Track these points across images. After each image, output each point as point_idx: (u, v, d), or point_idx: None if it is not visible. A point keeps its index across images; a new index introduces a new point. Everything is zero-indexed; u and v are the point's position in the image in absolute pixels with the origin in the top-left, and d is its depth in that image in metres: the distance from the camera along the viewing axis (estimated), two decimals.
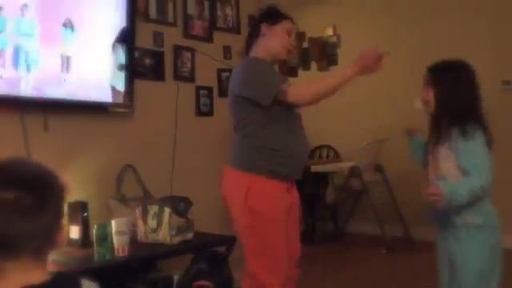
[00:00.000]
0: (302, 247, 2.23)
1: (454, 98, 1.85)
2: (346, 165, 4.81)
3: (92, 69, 2.69)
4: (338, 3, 5.65)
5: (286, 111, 2.05)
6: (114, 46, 2.77)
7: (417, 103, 2.11)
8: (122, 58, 2.80)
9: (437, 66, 1.97)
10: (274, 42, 2.17)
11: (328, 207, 5.05)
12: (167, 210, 2.50)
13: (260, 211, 1.97)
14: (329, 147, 5.46)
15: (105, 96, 2.77)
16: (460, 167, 1.78)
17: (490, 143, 1.86)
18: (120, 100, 2.83)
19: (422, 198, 1.79)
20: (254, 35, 2.24)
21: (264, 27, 2.19)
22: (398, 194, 4.70)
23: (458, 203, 1.72)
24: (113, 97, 2.80)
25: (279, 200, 2.04)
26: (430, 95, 1.89)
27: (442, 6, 4.88)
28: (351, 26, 5.51)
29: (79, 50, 2.62)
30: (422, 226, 4.81)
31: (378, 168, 4.76)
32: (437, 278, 1.97)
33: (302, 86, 2.31)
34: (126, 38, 2.81)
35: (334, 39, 5.69)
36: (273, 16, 2.23)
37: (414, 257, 4.12)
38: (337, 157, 5.32)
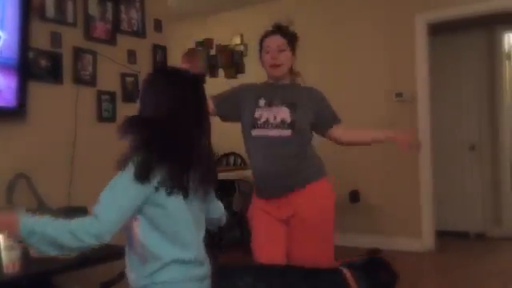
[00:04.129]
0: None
1: (144, 108, 1.54)
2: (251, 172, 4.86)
3: None
4: (245, 12, 5.74)
5: (244, 131, 2.35)
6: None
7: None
8: (14, 58, 2.59)
9: (149, 72, 1.62)
10: (263, 65, 2.40)
11: (235, 214, 5.06)
12: None
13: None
14: (236, 155, 5.49)
15: None
16: None
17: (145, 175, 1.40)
18: (12, 104, 2.61)
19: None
20: None
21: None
22: None
23: (40, 245, 1.33)
24: (3, 100, 2.58)
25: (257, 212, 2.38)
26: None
27: (342, 23, 5.14)
28: (258, 36, 5.60)
29: None
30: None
31: None
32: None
33: None
34: (18, 37, 2.60)
35: (241, 48, 5.76)
36: (259, 44, 2.43)
37: None
38: (244, 164, 5.36)
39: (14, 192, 2.61)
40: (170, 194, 1.42)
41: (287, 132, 2.26)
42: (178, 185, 1.43)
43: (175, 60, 5.59)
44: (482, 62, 5.39)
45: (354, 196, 4.97)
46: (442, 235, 4.89)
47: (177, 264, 1.46)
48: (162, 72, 1.63)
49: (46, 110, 2.87)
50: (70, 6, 3.01)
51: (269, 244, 2.31)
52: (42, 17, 2.86)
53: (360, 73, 4.97)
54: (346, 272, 2.05)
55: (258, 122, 2.27)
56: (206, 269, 1.56)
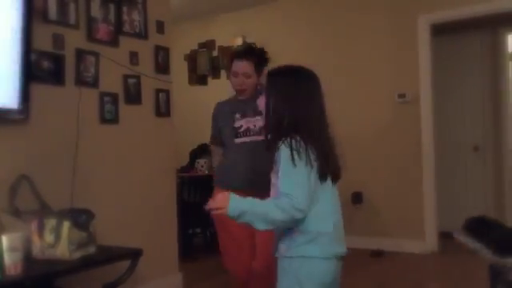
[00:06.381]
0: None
1: (280, 108, 1.65)
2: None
3: None
4: (247, 13, 5.74)
5: (228, 142, 2.66)
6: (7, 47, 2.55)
7: None
8: (16, 60, 2.59)
9: (271, 72, 1.76)
10: (230, 83, 2.69)
11: None
12: (66, 224, 2.34)
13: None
14: None
15: None
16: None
17: (318, 165, 1.61)
18: (14, 105, 2.61)
19: None
20: None
21: None
22: None
23: (253, 221, 1.55)
24: (6, 102, 2.58)
25: None
26: (262, 104, 1.72)
27: (345, 24, 5.13)
28: (260, 36, 5.60)
29: None
30: None
31: None
32: None
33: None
34: (21, 39, 2.60)
35: None
36: (229, 61, 2.66)
37: None
38: None
39: (16, 193, 2.61)
40: (320, 177, 1.61)
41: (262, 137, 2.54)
42: (324, 168, 1.62)
43: (178, 61, 5.59)
44: (485, 63, 5.38)
45: (357, 197, 4.96)
46: (445, 236, 4.86)
47: (323, 237, 1.62)
48: (294, 73, 1.73)
49: (49, 112, 2.87)
50: (72, 8, 3.01)
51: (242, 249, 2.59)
52: (45, 18, 2.85)
53: (363, 73, 4.96)
54: None
55: (239, 131, 2.61)
56: (345, 248, 1.72)
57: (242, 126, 2.63)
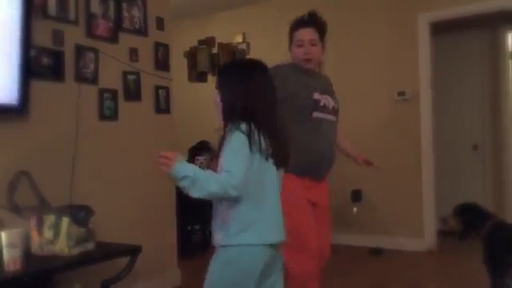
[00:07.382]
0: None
1: (230, 99, 1.69)
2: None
3: None
4: (247, 10, 5.73)
5: (302, 114, 2.31)
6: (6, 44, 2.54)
7: None
8: (15, 56, 2.58)
9: (222, 66, 1.87)
10: (293, 57, 2.48)
11: None
12: (65, 220, 2.34)
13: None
14: None
15: None
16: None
17: (261, 150, 1.62)
18: (13, 101, 2.61)
19: None
20: None
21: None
22: None
23: (191, 187, 1.56)
24: (5, 98, 2.57)
25: (296, 195, 2.24)
26: (217, 98, 1.77)
27: (345, 23, 5.12)
28: (259, 34, 5.60)
29: None
30: None
31: None
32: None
33: None
34: (20, 35, 2.60)
35: (244, 46, 5.75)
36: (289, 32, 2.49)
37: None
38: None
39: (15, 190, 2.61)
40: (261, 157, 1.63)
41: (334, 118, 2.45)
42: (274, 153, 1.66)
43: (177, 58, 5.58)
44: (485, 62, 5.37)
45: (356, 195, 4.96)
46: (444, 235, 4.87)
47: (258, 224, 1.63)
48: (252, 64, 1.78)
49: (48, 108, 2.87)
50: (71, 4, 3.00)
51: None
52: (44, 14, 2.85)
53: (363, 71, 4.95)
54: None
55: (319, 105, 2.35)
56: (282, 235, 1.71)
57: (320, 99, 2.37)
